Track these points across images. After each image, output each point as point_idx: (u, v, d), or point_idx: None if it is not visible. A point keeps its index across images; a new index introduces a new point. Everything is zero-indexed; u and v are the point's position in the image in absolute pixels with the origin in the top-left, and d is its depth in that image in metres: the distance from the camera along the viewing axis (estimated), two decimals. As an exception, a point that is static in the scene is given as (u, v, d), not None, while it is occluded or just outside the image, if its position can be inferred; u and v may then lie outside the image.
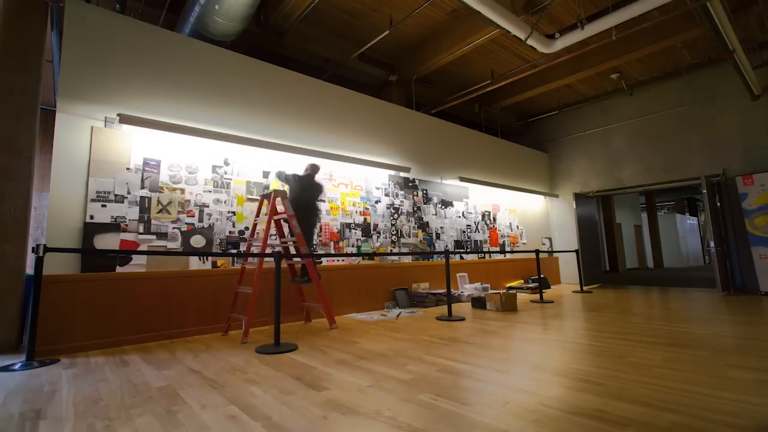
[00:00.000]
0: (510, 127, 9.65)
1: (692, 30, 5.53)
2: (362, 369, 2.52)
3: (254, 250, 4.18)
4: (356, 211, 5.35)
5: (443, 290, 5.91)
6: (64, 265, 3.22)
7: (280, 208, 4.40)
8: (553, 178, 9.30)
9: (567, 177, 9.03)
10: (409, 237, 5.96)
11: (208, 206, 4.06)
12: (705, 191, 6.43)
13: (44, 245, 2.86)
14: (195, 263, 3.91)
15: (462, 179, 6.78)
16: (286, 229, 4.39)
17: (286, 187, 4.50)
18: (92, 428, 1.70)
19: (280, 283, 3.26)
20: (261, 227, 4.36)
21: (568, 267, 8.77)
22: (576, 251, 7.29)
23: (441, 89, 7.80)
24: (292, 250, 4.30)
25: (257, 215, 4.14)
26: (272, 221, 3.91)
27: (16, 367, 2.67)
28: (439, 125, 6.87)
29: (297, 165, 4.80)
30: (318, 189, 4.37)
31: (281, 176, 4.26)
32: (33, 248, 2.91)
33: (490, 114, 8.89)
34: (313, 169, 4.41)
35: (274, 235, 4.46)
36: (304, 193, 4.24)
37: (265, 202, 4.11)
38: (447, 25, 5.85)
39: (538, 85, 7.37)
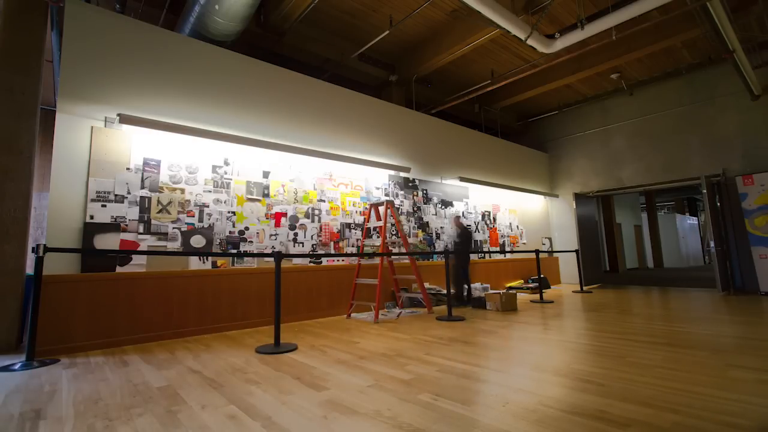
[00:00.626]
0: (510, 127, 9.65)
1: (692, 30, 5.53)
2: (362, 369, 2.52)
3: (367, 249, 5.33)
4: (356, 211, 5.35)
5: (436, 285, 5.91)
6: (64, 265, 3.22)
7: (382, 212, 5.26)
8: (553, 178, 9.30)
9: (567, 177, 9.03)
10: (409, 237, 5.96)
11: (208, 206, 4.06)
12: (705, 191, 6.43)
13: (44, 245, 2.86)
14: (195, 263, 3.91)
15: (462, 179, 6.78)
16: (387, 235, 5.46)
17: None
18: (92, 428, 1.70)
19: (279, 283, 3.26)
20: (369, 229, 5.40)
21: (568, 267, 8.77)
22: (576, 251, 7.29)
23: (441, 89, 7.80)
24: (395, 250, 5.42)
25: (367, 221, 5.14)
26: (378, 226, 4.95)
27: (16, 367, 2.66)
28: (439, 125, 6.87)
29: (297, 164, 4.80)
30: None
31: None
32: (33, 248, 2.91)
33: (490, 114, 8.89)
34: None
35: (274, 235, 4.46)
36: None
37: (378, 209, 5.15)
38: (447, 25, 5.85)
39: (538, 85, 7.36)
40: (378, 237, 5.50)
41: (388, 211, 5.01)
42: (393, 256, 5.55)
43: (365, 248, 5.31)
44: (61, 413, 1.88)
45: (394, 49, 6.48)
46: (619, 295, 6.27)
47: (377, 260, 5.43)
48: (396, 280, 5.21)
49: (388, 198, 5.72)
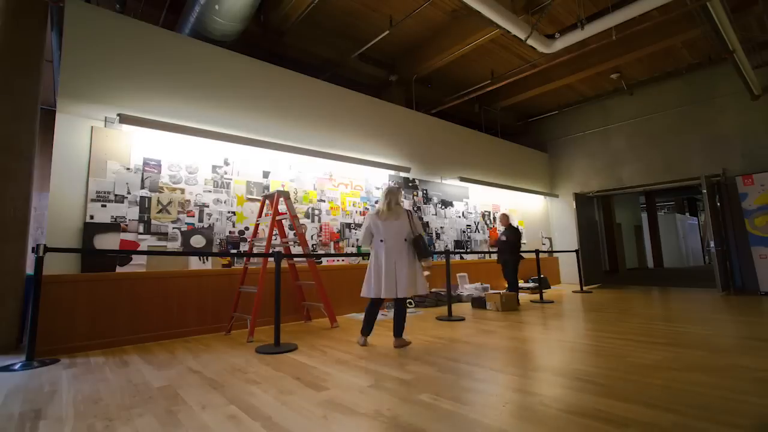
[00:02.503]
0: (510, 127, 9.65)
1: (692, 30, 5.53)
2: (362, 369, 2.52)
3: (256, 250, 4.19)
4: (356, 211, 5.35)
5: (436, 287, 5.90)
6: (64, 265, 3.22)
7: (282, 208, 4.41)
8: (553, 178, 9.30)
9: (567, 177, 9.02)
10: (409, 237, 5.95)
11: (208, 206, 4.06)
12: (705, 191, 6.43)
13: (44, 245, 2.86)
14: (195, 263, 3.91)
15: (462, 179, 6.78)
16: (286, 230, 4.43)
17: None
18: (92, 428, 1.70)
19: (280, 283, 3.26)
20: (263, 228, 4.37)
21: (568, 267, 8.76)
22: (576, 251, 7.28)
23: (441, 89, 7.80)
24: (294, 251, 4.36)
25: (259, 216, 4.20)
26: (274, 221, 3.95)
27: (16, 367, 2.66)
28: (439, 125, 6.87)
29: (297, 164, 4.79)
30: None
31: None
32: (33, 248, 2.91)
33: (490, 114, 8.88)
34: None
35: (274, 235, 4.46)
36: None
37: (267, 202, 4.14)
38: (447, 25, 5.84)
39: (538, 85, 7.36)
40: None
41: (281, 202, 4.07)
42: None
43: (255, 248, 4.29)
44: (61, 413, 1.88)
45: (394, 49, 6.48)
46: (619, 295, 6.27)
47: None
48: (300, 286, 4.47)
49: (282, 189, 4.28)
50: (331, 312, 4.06)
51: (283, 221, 4.36)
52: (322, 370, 2.50)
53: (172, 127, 3.77)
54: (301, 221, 4.73)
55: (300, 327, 4.13)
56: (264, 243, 3.99)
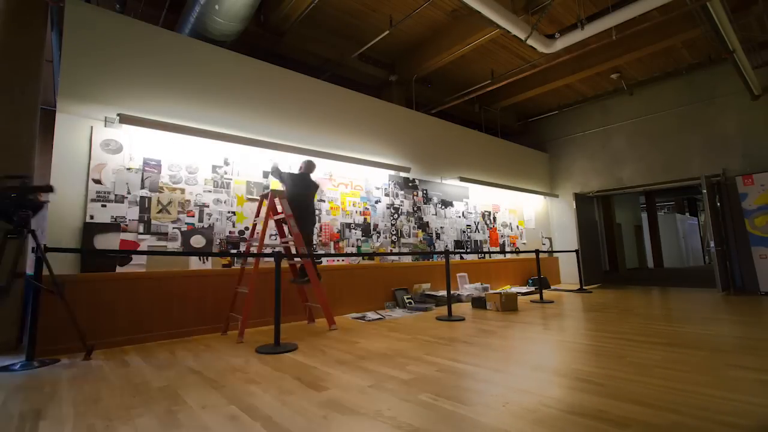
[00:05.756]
0: (510, 127, 9.65)
1: (692, 30, 5.53)
2: (362, 369, 2.52)
3: (253, 250, 4.18)
4: (356, 211, 5.35)
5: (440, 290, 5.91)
6: (64, 265, 3.22)
7: (279, 208, 4.40)
8: (553, 178, 9.30)
9: (567, 177, 9.02)
10: (409, 237, 5.96)
11: (208, 206, 4.06)
12: (705, 191, 6.43)
13: (44, 245, 2.86)
14: (195, 263, 3.90)
15: (462, 179, 6.78)
16: (286, 230, 4.40)
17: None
18: (92, 428, 1.70)
19: (280, 283, 3.26)
20: (260, 227, 4.35)
21: (568, 267, 8.76)
22: (576, 251, 7.29)
23: (441, 89, 7.80)
24: (293, 251, 4.32)
25: (257, 215, 4.14)
26: (270, 221, 3.91)
27: (16, 367, 2.66)
28: (439, 125, 6.87)
29: (297, 165, 4.79)
30: (313, 187, 4.27)
31: (275, 173, 4.12)
32: (33, 248, 2.91)
33: (490, 114, 8.88)
34: (308, 167, 4.26)
35: (274, 234, 4.46)
36: (299, 193, 4.11)
37: (265, 201, 4.12)
38: (447, 25, 5.84)
39: (538, 85, 7.36)
40: (378, 237, 5.49)
41: (274, 202, 3.96)
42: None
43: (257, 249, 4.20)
44: (61, 413, 1.88)
45: (394, 49, 6.48)
46: (619, 295, 6.27)
47: (373, 261, 5.41)
48: (304, 291, 4.31)
49: (276, 188, 4.07)
50: (329, 314, 3.94)
51: (282, 222, 4.29)
52: (322, 370, 2.50)
53: (172, 127, 3.77)
54: (301, 221, 4.73)
55: (302, 328, 4.13)
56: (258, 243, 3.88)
